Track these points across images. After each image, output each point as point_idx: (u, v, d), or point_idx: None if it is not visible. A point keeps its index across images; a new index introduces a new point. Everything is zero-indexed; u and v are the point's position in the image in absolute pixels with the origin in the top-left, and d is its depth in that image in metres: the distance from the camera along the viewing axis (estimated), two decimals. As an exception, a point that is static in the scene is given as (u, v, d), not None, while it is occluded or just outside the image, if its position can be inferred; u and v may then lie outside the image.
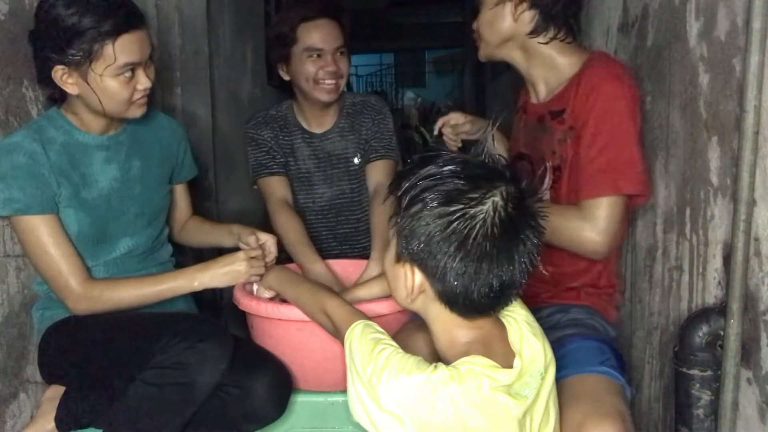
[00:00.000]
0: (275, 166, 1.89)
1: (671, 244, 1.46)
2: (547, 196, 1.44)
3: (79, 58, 1.29)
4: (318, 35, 1.78)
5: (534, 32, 1.39)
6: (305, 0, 1.82)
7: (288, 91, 1.97)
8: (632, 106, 1.33)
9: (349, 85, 1.92)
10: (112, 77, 1.31)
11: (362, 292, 1.45)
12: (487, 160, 0.93)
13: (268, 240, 1.52)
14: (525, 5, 1.37)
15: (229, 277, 1.41)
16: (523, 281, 0.92)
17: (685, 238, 1.39)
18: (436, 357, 1.00)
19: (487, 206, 0.88)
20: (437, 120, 1.73)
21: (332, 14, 1.81)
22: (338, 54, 1.81)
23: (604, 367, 1.25)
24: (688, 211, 1.38)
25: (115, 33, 1.28)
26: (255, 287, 1.51)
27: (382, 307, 1.35)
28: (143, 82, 1.36)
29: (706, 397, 1.25)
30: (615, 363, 1.29)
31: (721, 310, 1.22)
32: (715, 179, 1.27)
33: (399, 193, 0.93)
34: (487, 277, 0.89)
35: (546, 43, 1.40)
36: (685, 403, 1.27)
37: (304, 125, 1.94)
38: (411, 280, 0.94)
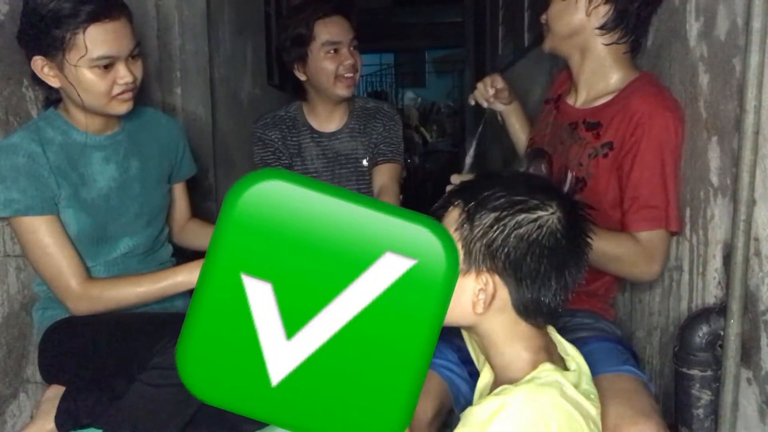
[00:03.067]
0: (280, 166, 1.91)
1: (671, 244, 1.46)
2: None
3: (53, 47, 1.28)
4: (334, 29, 1.85)
5: (603, 27, 1.37)
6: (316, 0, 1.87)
7: (287, 90, 1.99)
8: (681, 139, 1.34)
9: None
10: (87, 68, 1.29)
11: None
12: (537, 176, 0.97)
13: None
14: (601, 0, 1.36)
15: None
16: (571, 296, 0.94)
17: (685, 238, 1.39)
18: None
19: (555, 218, 0.88)
20: (487, 83, 1.66)
21: (344, 11, 1.87)
22: (353, 48, 1.87)
23: (628, 366, 1.26)
24: (688, 211, 1.38)
25: (85, 22, 1.26)
26: None
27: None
28: (123, 75, 1.32)
29: (706, 397, 1.25)
30: (634, 362, 1.30)
31: (721, 310, 1.22)
32: (715, 179, 1.27)
33: (473, 203, 0.90)
34: (560, 285, 0.89)
35: (608, 45, 1.39)
36: (685, 403, 1.27)
37: (314, 125, 1.96)
38: (486, 291, 0.89)
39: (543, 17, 1.48)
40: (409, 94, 11.26)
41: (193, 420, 1.30)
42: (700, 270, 1.33)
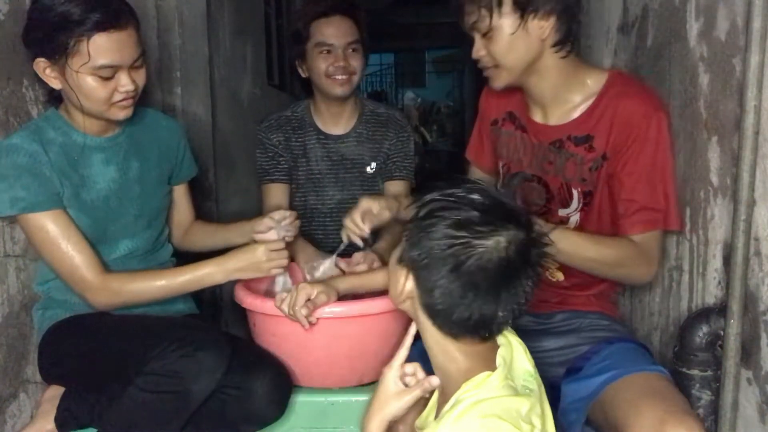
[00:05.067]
0: (277, 173, 1.93)
1: (671, 244, 1.46)
2: (576, 217, 1.42)
3: (57, 52, 1.27)
4: (329, 30, 1.82)
5: (557, 43, 1.30)
6: None
7: (287, 90, 1.99)
8: (670, 136, 1.32)
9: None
10: (88, 75, 1.29)
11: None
12: (507, 201, 0.95)
13: (279, 214, 1.50)
14: (552, 17, 1.27)
15: (251, 270, 1.39)
16: (507, 320, 0.94)
17: (685, 238, 1.39)
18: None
19: (491, 243, 0.89)
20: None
21: (345, 11, 1.84)
22: (350, 50, 1.84)
23: (658, 366, 1.26)
24: (688, 211, 1.38)
25: (91, 31, 1.25)
26: (281, 279, 1.50)
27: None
28: (125, 84, 1.31)
29: (706, 397, 1.25)
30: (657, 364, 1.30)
31: (721, 310, 1.22)
32: (715, 179, 1.27)
33: (420, 203, 0.96)
34: (469, 307, 0.91)
35: (564, 57, 1.32)
36: (685, 403, 1.27)
37: (320, 126, 1.96)
38: (403, 284, 0.97)
39: (480, 53, 1.34)
40: (409, 94, 11.25)
41: (192, 420, 1.30)
42: (700, 270, 1.33)
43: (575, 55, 1.36)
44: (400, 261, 0.99)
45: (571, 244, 1.29)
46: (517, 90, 1.44)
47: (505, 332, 1.01)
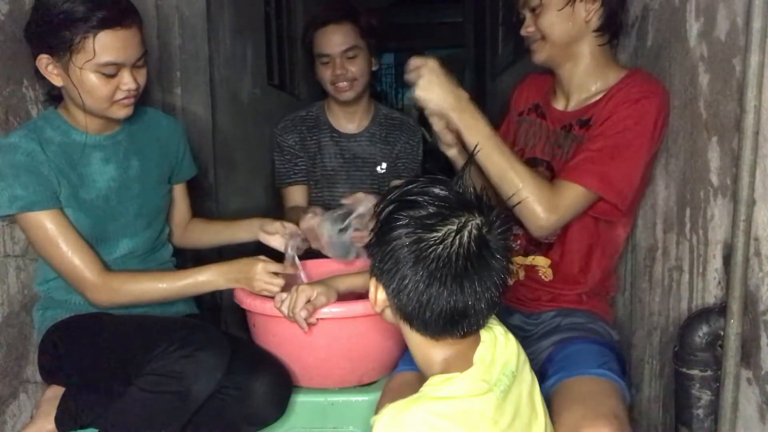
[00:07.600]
0: (294, 175, 1.98)
1: (671, 244, 1.46)
2: None
3: (61, 48, 1.28)
4: (323, 40, 1.87)
5: (599, 29, 1.38)
6: (321, 4, 1.90)
7: (287, 90, 2.01)
8: (657, 127, 1.34)
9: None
10: (91, 72, 1.29)
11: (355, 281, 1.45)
12: (462, 190, 0.93)
13: (291, 227, 1.53)
14: (597, 1, 1.36)
15: (243, 283, 1.41)
16: (484, 313, 0.92)
17: (685, 238, 1.39)
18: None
19: (446, 233, 0.88)
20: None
21: (341, 18, 1.86)
22: (346, 57, 1.87)
23: (603, 369, 1.25)
24: (688, 211, 1.38)
25: (96, 28, 1.26)
26: (290, 255, 1.51)
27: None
28: (127, 82, 1.33)
29: (706, 397, 1.25)
30: (615, 366, 1.29)
31: (721, 310, 1.22)
32: (715, 179, 1.27)
33: (378, 211, 0.95)
34: (438, 302, 0.89)
35: (601, 45, 1.41)
36: (685, 403, 1.27)
37: (334, 124, 2.01)
38: (375, 294, 0.96)
39: (529, 30, 1.44)
40: (409, 94, 11.26)
41: (193, 420, 1.30)
42: (700, 270, 1.33)
43: (610, 47, 1.44)
44: (371, 273, 0.97)
45: (493, 161, 1.30)
46: (547, 83, 1.54)
47: (493, 328, 0.99)
